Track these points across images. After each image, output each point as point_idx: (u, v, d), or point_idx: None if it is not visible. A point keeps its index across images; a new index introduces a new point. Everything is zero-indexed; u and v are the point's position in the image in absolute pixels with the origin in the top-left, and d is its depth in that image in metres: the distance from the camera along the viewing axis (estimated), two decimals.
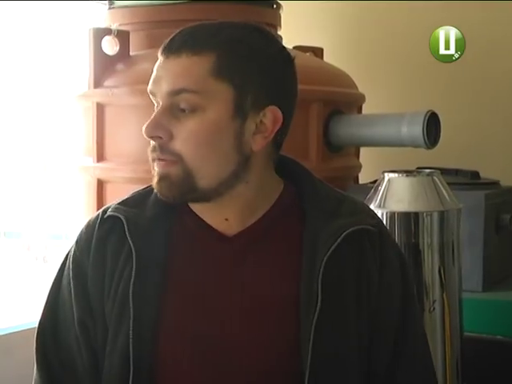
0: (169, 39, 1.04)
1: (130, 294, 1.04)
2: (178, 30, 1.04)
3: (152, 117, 1.02)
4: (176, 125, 1.02)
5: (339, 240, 1.05)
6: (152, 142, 1.03)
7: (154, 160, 1.04)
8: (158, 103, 1.04)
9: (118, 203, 1.11)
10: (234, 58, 1.02)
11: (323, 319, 1.03)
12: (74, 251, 1.12)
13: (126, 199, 1.12)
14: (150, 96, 1.05)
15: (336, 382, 1.05)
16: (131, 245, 1.06)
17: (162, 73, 1.03)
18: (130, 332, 1.03)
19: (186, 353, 1.04)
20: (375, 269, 1.09)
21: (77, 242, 1.12)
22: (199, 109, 1.01)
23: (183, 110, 1.01)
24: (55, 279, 1.14)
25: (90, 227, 1.12)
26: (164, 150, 1.02)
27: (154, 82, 1.04)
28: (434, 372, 1.19)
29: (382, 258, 1.10)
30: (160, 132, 1.01)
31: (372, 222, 1.10)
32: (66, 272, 1.12)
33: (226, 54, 1.01)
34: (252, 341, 1.05)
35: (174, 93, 1.01)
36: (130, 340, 1.03)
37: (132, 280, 1.04)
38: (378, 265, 1.09)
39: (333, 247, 1.05)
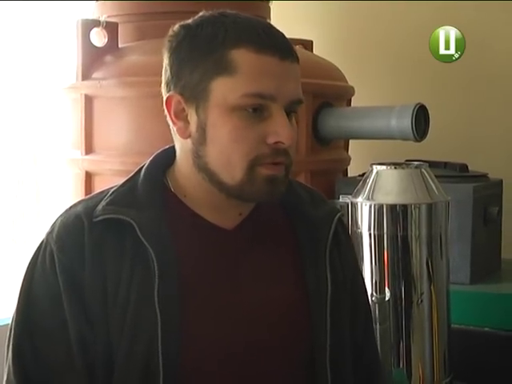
0: (261, 35, 0.99)
1: (156, 299, 0.99)
2: (251, 27, 1.00)
3: (285, 124, 1.00)
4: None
5: (333, 225, 1.11)
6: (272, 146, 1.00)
7: (277, 163, 1.00)
8: (263, 106, 0.99)
9: (107, 203, 1.03)
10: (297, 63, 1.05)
11: (333, 299, 1.09)
12: (59, 259, 1.01)
13: (112, 199, 1.04)
14: (257, 99, 0.99)
15: (343, 357, 1.11)
16: (150, 249, 1.00)
17: (285, 76, 1.01)
18: (159, 336, 0.98)
19: (210, 348, 1.03)
20: (347, 250, 1.18)
21: (60, 248, 1.02)
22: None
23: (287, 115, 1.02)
24: (25, 290, 1.04)
25: (73, 230, 1.02)
26: (288, 154, 1.02)
27: (277, 84, 1.00)
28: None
29: (350, 241, 1.22)
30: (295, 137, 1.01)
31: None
32: (40, 281, 1.03)
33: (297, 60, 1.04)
34: (271, 333, 1.06)
35: (296, 103, 1.03)
36: (159, 344, 0.98)
37: (156, 283, 0.99)
38: (349, 246, 1.20)
39: (331, 232, 1.11)
